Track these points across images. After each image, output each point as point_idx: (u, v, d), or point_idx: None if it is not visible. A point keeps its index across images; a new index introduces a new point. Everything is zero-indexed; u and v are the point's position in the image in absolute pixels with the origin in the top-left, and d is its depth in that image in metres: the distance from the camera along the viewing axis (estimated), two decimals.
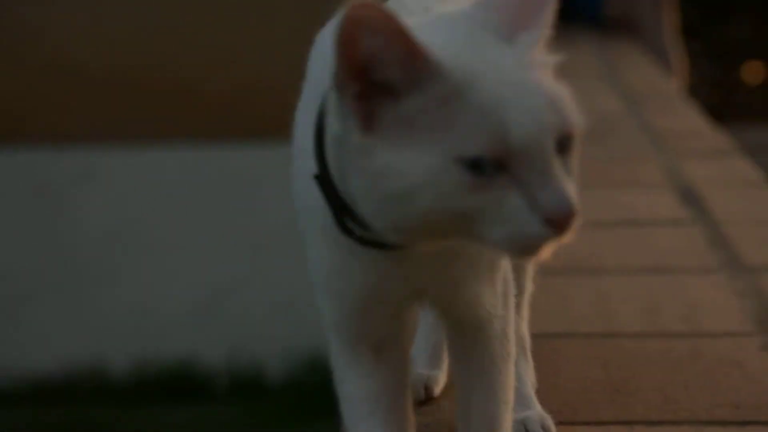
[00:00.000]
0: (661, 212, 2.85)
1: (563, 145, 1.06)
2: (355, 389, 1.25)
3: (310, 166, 1.14)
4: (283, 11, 5.45)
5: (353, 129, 1.05)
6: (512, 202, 1.03)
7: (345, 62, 1.04)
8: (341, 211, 1.13)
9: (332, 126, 1.09)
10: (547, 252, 1.06)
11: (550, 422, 1.54)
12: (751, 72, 7.72)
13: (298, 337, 5.15)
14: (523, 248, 1.05)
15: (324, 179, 1.13)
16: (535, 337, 1.65)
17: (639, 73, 5.47)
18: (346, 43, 1.03)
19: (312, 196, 1.16)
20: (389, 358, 1.26)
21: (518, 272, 1.45)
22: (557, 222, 1.03)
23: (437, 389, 1.66)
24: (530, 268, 1.58)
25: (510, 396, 1.29)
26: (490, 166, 1.03)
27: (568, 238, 1.05)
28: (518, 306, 1.44)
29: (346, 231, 1.14)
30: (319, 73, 1.16)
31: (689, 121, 4.19)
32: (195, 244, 5.56)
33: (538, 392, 1.59)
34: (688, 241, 2.58)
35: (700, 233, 2.64)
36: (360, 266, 1.18)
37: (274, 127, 5.07)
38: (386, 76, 1.04)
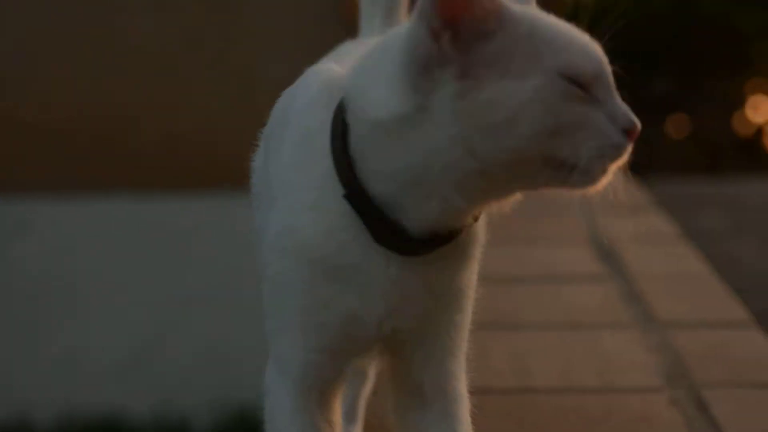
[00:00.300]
0: (578, 268, 2.90)
1: None
2: None
3: (307, 198, 1.22)
4: (215, 65, 5.48)
5: (446, 77, 1.16)
6: (598, 116, 1.19)
7: (442, 14, 1.15)
8: (378, 221, 1.20)
9: (389, 106, 1.17)
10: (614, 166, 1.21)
11: None
12: (676, 125, 7.83)
13: (225, 389, 5.14)
14: (608, 158, 1.19)
15: (355, 197, 1.20)
16: None
17: None
18: (444, 4, 1.15)
19: (304, 228, 1.21)
20: (332, 412, 1.30)
21: None
22: (630, 132, 1.20)
23: None
24: None
25: None
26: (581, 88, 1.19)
27: (627, 156, 1.21)
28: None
29: (383, 240, 1.20)
30: (306, 121, 1.24)
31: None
32: (122, 296, 5.54)
33: None
34: (603, 296, 2.63)
35: (615, 289, 2.68)
36: (356, 292, 1.22)
37: (206, 179, 5.07)
38: (474, 24, 1.16)
